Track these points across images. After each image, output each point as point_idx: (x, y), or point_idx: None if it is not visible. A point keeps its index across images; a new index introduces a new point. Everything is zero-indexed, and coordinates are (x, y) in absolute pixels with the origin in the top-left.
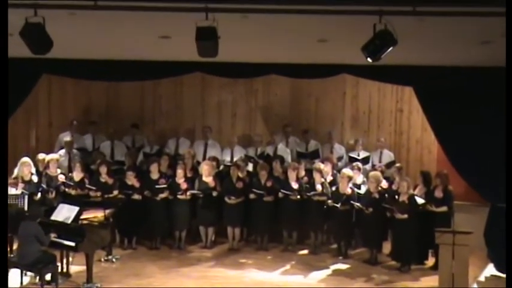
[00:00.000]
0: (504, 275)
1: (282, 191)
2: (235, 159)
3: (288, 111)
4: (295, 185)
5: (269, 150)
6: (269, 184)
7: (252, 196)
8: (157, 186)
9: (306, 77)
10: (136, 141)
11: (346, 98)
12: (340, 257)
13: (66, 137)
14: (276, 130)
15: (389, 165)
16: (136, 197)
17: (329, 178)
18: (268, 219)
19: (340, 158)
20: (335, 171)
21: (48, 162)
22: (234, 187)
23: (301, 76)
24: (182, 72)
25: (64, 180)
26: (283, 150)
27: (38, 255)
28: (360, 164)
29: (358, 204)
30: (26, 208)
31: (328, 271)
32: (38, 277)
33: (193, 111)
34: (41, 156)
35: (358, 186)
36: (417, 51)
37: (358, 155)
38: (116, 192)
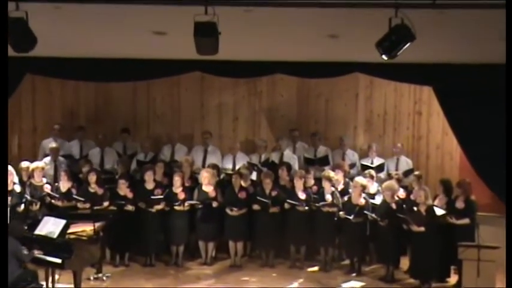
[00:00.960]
0: None
1: (288, 201)
2: (237, 166)
3: (295, 114)
4: (302, 195)
5: (274, 157)
6: (274, 194)
7: (256, 207)
8: (152, 197)
9: (315, 76)
10: (128, 148)
11: (359, 99)
12: (353, 274)
13: (51, 143)
14: (281, 135)
15: (407, 173)
16: (129, 208)
17: (340, 187)
18: (274, 233)
19: (352, 165)
20: (347, 180)
21: (32, 170)
22: (237, 197)
23: (309, 75)
24: (179, 72)
25: (49, 191)
26: (290, 156)
27: (18, 273)
28: (373, 172)
29: (372, 215)
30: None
31: None
32: None
33: (191, 114)
34: (24, 164)
35: (373, 196)
36: (437, 47)
37: (372, 162)
38: (106, 204)
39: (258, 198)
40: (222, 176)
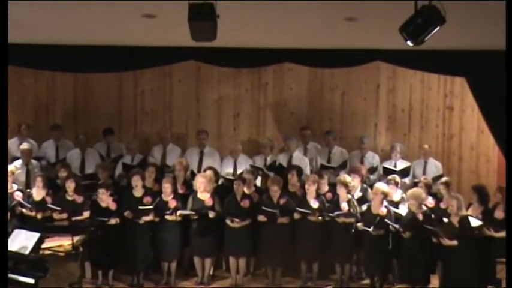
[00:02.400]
0: None
1: (298, 209)
2: (239, 171)
3: (306, 109)
4: (315, 203)
5: (282, 160)
6: (282, 202)
7: (261, 218)
8: (140, 207)
9: (330, 66)
10: (112, 150)
11: (380, 92)
12: None
13: (23, 145)
14: (290, 134)
15: (436, 178)
16: (113, 220)
17: (357, 194)
18: (282, 247)
19: (372, 169)
20: (365, 186)
21: None
22: (238, 206)
23: (323, 65)
24: (171, 61)
25: (21, 199)
26: (300, 159)
27: None
28: (397, 177)
29: (395, 226)
30: None
31: None
32: None
33: (186, 110)
34: None
35: (396, 205)
36: (471, 32)
37: (396, 166)
38: (86, 214)
39: (264, 208)
40: (220, 182)
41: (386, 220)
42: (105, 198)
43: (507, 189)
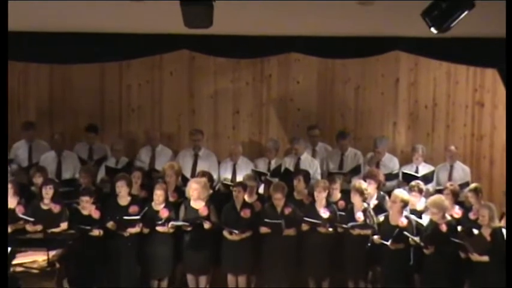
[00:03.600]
0: None
1: (306, 219)
2: (238, 176)
3: (315, 106)
4: (325, 213)
5: (288, 163)
6: (288, 212)
7: (263, 230)
8: (126, 217)
9: (342, 56)
10: (94, 151)
11: (399, 86)
12: None
13: None
14: (297, 134)
15: (464, 184)
16: (96, 231)
17: (374, 203)
18: (287, 263)
19: (391, 175)
20: (382, 193)
21: None
22: (238, 216)
23: (334, 55)
24: (161, 51)
25: None
26: (309, 162)
27: None
28: (420, 183)
29: (415, 238)
30: None
31: None
32: None
33: (178, 107)
34: None
35: (419, 215)
36: (504, 17)
37: (417, 170)
38: (64, 226)
39: (267, 220)
40: (217, 188)
41: (406, 232)
42: (88, 206)
43: (507, 189)
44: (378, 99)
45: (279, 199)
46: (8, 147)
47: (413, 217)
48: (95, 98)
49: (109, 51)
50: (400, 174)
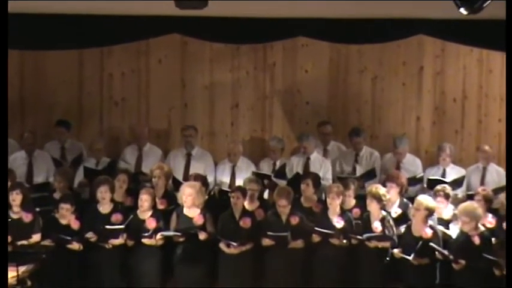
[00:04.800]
0: None
1: (317, 229)
2: (238, 180)
3: (326, 99)
4: (339, 222)
5: (296, 165)
6: (295, 221)
7: (266, 242)
8: (108, 227)
9: (357, 41)
10: (69, 151)
11: (424, 75)
12: None
13: None
14: (306, 131)
15: (499, 189)
16: (73, 244)
17: (395, 211)
18: (294, 279)
19: (414, 179)
20: (405, 200)
21: None
22: (237, 226)
23: (348, 40)
24: (149, 35)
25: None
26: (319, 163)
27: None
28: (446, 187)
29: (444, 252)
30: None
31: None
32: None
33: (168, 99)
34: None
35: (446, 225)
36: None
37: (444, 173)
38: (37, 237)
39: (270, 233)
40: (213, 193)
41: (431, 244)
42: (67, 215)
43: (507, 190)
44: (399, 91)
45: (284, 206)
46: (7, 147)
47: (439, 227)
48: (72, 90)
49: (88, 35)
50: (425, 181)
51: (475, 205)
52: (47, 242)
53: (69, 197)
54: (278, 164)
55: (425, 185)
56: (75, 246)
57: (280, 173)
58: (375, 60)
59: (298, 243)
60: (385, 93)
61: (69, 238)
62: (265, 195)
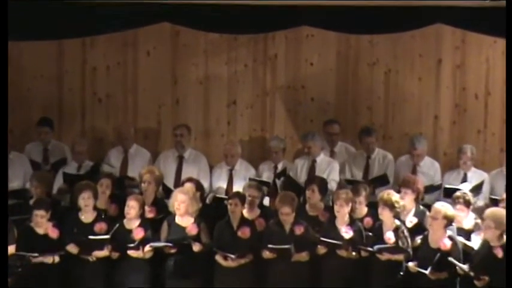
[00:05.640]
0: None
1: (323, 239)
2: (236, 185)
3: (334, 95)
4: (348, 232)
5: (300, 168)
6: (299, 231)
7: (267, 255)
8: (91, 237)
9: (368, 31)
10: (50, 153)
11: (442, 69)
12: None
13: None
14: (311, 130)
15: None
16: (52, 258)
17: (410, 220)
18: None
19: (432, 186)
20: (421, 208)
21: None
22: (235, 237)
23: (358, 30)
24: (136, 24)
25: None
26: (326, 166)
27: None
28: (469, 194)
29: (463, 266)
30: None
31: None
32: None
33: (157, 96)
34: None
35: (466, 235)
36: None
37: (466, 177)
38: (11, 249)
39: (271, 246)
40: (208, 200)
41: (450, 258)
42: (43, 223)
43: (507, 190)
44: (415, 86)
45: (287, 214)
46: (7, 148)
47: (459, 238)
48: (50, 85)
49: (70, 24)
50: (442, 189)
51: (501, 212)
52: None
53: (43, 203)
54: (280, 167)
55: (443, 189)
56: (48, 259)
57: (284, 178)
58: (388, 52)
59: (303, 256)
60: (399, 88)
61: (42, 247)
62: (266, 202)
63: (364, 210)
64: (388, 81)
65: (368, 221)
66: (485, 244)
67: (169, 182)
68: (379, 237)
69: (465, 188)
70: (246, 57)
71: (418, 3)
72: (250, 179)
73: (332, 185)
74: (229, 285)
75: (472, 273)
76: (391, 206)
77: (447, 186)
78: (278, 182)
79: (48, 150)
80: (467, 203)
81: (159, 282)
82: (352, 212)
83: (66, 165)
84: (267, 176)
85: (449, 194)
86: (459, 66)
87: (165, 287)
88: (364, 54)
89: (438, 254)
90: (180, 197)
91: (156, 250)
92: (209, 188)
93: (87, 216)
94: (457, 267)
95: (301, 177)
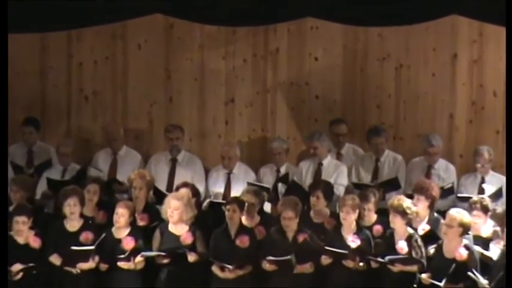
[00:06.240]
0: None
1: (328, 248)
2: (234, 190)
3: (340, 92)
4: (355, 241)
5: (305, 172)
6: (302, 239)
7: (267, 267)
8: (75, 248)
9: (377, 23)
10: (35, 155)
11: (458, 64)
12: None
13: None
14: (316, 130)
15: None
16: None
17: (423, 228)
18: None
19: (446, 190)
20: (435, 215)
21: None
22: (233, 246)
23: (366, 21)
24: (126, 15)
25: None
26: (333, 170)
27: None
28: (486, 199)
29: (480, 279)
30: None
31: None
32: None
33: (149, 93)
34: None
35: (484, 244)
36: None
37: (483, 181)
38: None
39: (271, 258)
40: (204, 206)
41: (469, 273)
42: (25, 231)
43: (507, 190)
44: (428, 83)
45: (289, 219)
46: (7, 148)
47: (476, 247)
48: (34, 82)
49: (53, 16)
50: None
51: None
52: None
53: (24, 208)
54: (282, 171)
55: (459, 195)
56: (34, 269)
57: (285, 182)
58: (399, 46)
59: (306, 268)
60: (411, 85)
61: (23, 257)
62: (267, 208)
63: (374, 217)
64: (400, 78)
65: (378, 229)
66: (505, 253)
67: (162, 187)
68: (390, 246)
69: (488, 188)
70: (245, 52)
71: None
72: (248, 184)
73: (340, 191)
74: None
75: (489, 286)
76: (402, 212)
77: (460, 195)
78: (280, 187)
79: (32, 152)
80: (485, 209)
81: None
82: (360, 219)
83: (51, 169)
84: (268, 180)
85: (464, 201)
86: (476, 61)
87: None
88: (373, 48)
89: (453, 265)
90: (173, 203)
91: (147, 261)
92: (205, 193)
93: (72, 224)
94: (475, 279)
95: (306, 181)
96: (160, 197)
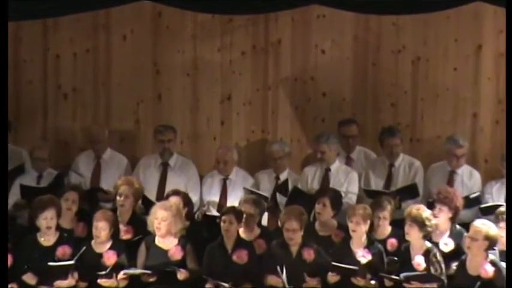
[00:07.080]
0: None
1: (335, 264)
2: (231, 198)
3: (350, 89)
4: (366, 256)
5: (311, 179)
6: (308, 255)
7: (270, 282)
8: (52, 263)
9: (392, 11)
10: (9, 159)
11: (482, 57)
12: None
13: None
14: (323, 132)
15: None
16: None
17: (445, 242)
18: None
19: (470, 200)
20: (457, 227)
21: None
22: (229, 262)
23: (379, 9)
24: (110, 3)
25: None
26: (343, 177)
27: None
28: None
29: None
30: None
31: None
32: None
33: (136, 90)
34: None
35: None
36: None
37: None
38: None
39: (272, 277)
40: (197, 217)
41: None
42: None
43: (507, 191)
44: (449, 78)
45: (293, 231)
46: (7, 148)
47: (503, 264)
48: (9, 77)
49: (27, 3)
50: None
51: None
52: None
53: None
54: (283, 177)
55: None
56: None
57: (286, 189)
58: (417, 37)
59: (311, 284)
60: (430, 81)
61: None
62: (264, 220)
63: (388, 229)
64: (417, 72)
65: (392, 242)
66: None
67: (151, 195)
68: (406, 262)
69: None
70: (244, 43)
71: None
72: (245, 189)
73: (352, 199)
74: None
75: None
76: (420, 224)
77: (483, 206)
78: (279, 197)
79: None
80: None
81: None
82: (372, 231)
83: (24, 175)
84: (265, 188)
85: (489, 211)
86: (503, 54)
87: None
88: (387, 39)
89: (478, 283)
90: (160, 214)
91: (132, 278)
92: (199, 202)
93: (48, 238)
94: None
95: (313, 189)
96: (149, 207)
